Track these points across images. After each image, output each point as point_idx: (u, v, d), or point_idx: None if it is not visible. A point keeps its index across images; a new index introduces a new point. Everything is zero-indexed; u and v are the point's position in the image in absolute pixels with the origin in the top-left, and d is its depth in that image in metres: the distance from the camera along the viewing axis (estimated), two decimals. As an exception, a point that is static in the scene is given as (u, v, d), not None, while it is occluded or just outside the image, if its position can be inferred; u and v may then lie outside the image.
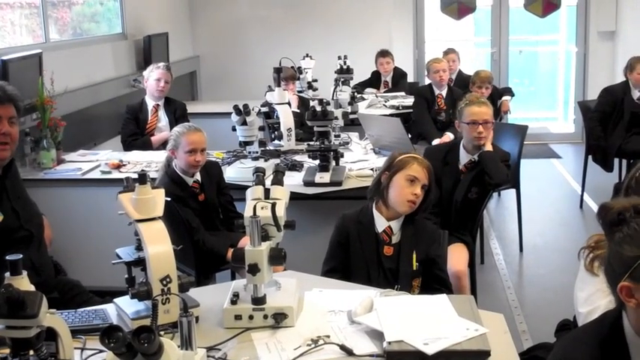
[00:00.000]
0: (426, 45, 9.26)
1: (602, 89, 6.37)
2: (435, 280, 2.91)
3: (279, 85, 4.91)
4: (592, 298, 2.24)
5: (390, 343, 2.05)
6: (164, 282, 2.15)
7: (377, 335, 2.14)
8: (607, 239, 1.86)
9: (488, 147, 3.96)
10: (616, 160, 6.28)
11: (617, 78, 7.25)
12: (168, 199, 2.31)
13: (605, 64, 8.70)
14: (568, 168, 7.87)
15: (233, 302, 2.27)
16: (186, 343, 1.86)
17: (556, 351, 1.88)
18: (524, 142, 5.44)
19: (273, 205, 2.29)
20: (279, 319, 2.23)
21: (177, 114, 5.51)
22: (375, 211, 2.96)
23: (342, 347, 2.08)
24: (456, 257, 3.68)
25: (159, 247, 2.17)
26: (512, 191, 5.49)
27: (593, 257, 2.26)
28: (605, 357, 1.76)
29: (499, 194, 6.60)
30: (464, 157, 4.02)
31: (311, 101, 5.37)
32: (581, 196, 6.45)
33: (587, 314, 2.23)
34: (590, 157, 6.34)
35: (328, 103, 4.27)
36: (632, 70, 6.08)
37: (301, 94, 6.24)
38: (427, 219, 3.36)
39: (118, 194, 2.23)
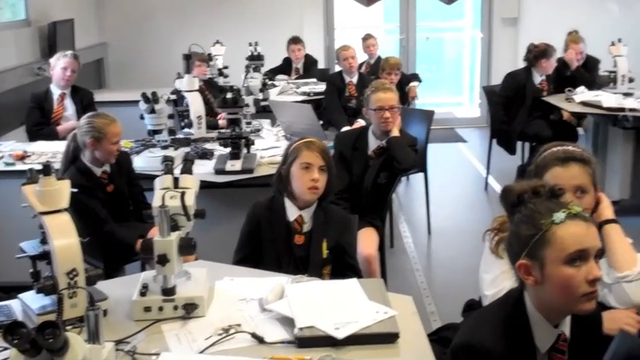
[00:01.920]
0: (336, 32, 9.32)
1: (506, 74, 6.56)
2: (345, 267, 2.93)
3: (188, 72, 4.85)
4: (497, 281, 2.31)
5: (301, 329, 2.07)
6: (70, 275, 2.11)
7: (288, 322, 2.15)
8: (509, 220, 1.94)
9: (396, 132, 4.03)
10: (519, 144, 6.50)
11: (519, 63, 7.48)
12: (75, 190, 2.26)
13: (508, 49, 8.97)
14: (474, 151, 8.09)
15: (142, 294, 2.25)
16: (94, 337, 1.84)
17: (462, 331, 1.94)
18: (432, 127, 5.54)
19: (183, 195, 2.28)
20: (189, 309, 2.22)
21: (84, 102, 5.37)
22: (286, 200, 2.97)
23: (254, 335, 2.09)
24: (366, 241, 3.75)
25: (64, 239, 2.12)
26: (421, 175, 5.59)
27: (499, 240, 2.33)
28: (508, 334, 1.83)
29: (408, 178, 6.73)
30: (373, 143, 4.10)
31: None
32: (486, 179, 6.65)
33: (492, 297, 2.29)
34: (494, 140, 6.54)
35: (239, 90, 4.26)
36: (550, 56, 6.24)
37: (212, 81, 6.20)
38: (336, 204, 3.41)
39: (22, 186, 2.17)
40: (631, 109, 5.40)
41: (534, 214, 1.83)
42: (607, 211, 2.39)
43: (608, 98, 5.70)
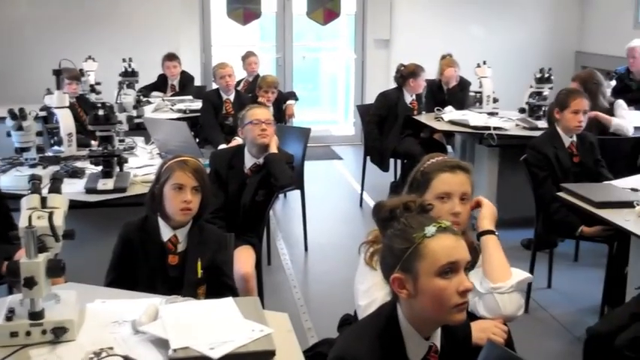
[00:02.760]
0: (213, 49, 9.30)
1: (379, 94, 6.75)
2: (221, 287, 2.91)
3: (58, 88, 4.70)
4: (370, 291, 2.36)
5: (175, 350, 2.04)
6: None
7: (162, 343, 2.11)
8: (381, 235, 1.99)
9: (274, 149, 4.07)
10: (391, 161, 6.68)
11: (391, 83, 7.72)
12: None
13: (380, 69, 9.24)
14: (349, 168, 8.25)
15: (8, 318, 2.15)
16: (-47, 367, 1.74)
17: (337, 346, 1.97)
18: (308, 145, 5.61)
19: (51, 215, 2.20)
20: (58, 333, 2.14)
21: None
22: (159, 220, 2.92)
23: (126, 358, 2.04)
24: (243, 260, 3.74)
25: None
26: (298, 192, 5.65)
27: (373, 252, 2.38)
28: (382, 348, 1.88)
29: (285, 195, 6.78)
30: (249, 161, 4.11)
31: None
32: (361, 194, 6.79)
33: (365, 307, 2.34)
34: (368, 157, 6.70)
35: (112, 107, 4.16)
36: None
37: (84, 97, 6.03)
38: (213, 223, 3.39)
39: None
40: (495, 128, 5.68)
41: (407, 228, 1.89)
42: (486, 221, 2.49)
43: (474, 117, 5.97)
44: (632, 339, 2.90)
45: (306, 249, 5.60)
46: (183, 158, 2.96)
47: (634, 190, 3.94)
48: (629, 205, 3.62)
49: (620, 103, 5.51)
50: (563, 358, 3.85)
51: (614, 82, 6.05)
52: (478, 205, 2.55)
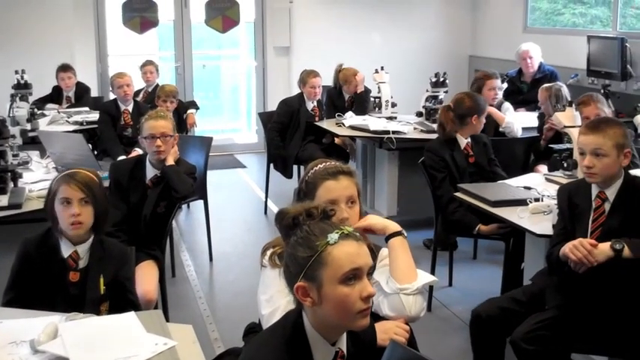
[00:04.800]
0: (110, 59, 9.11)
1: (280, 101, 6.78)
2: (124, 302, 2.85)
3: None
4: (273, 300, 2.36)
5: (77, 368, 2.00)
6: None
7: (63, 362, 2.07)
8: (284, 243, 2.00)
9: (170, 161, 4.02)
10: (295, 167, 6.73)
11: (293, 90, 7.76)
12: None
13: (281, 77, 9.29)
14: (253, 177, 8.23)
15: None
16: None
17: (243, 355, 1.96)
18: (211, 154, 5.57)
19: (-60, 236, 2.12)
20: (-49, 359, 2.07)
21: None
22: (60, 236, 2.84)
23: (25, 379, 1.99)
24: (145, 277, 3.65)
25: None
26: (201, 202, 5.61)
27: (272, 253, 2.40)
28: (289, 356, 1.88)
29: (188, 206, 6.71)
30: (150, 172, 4.05)
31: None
32: (265, 202, 6.79)
33: (269, 315, 2.34)
34: (271, 165, 6.72)
35: (4, 121, 4.04)
36: (305, 83, 6.57)
37: None
38: (116, 236, 3.32)
39: None
40: (394, 132, 5.80)
41: (310, 235, 1.90)
42: (390, 226, 2.48)
43: (374, 122, 6.08)
44: (527, 332, 3.03)
45: (210, 259, 5.55)
46: (71, 171, 2.89)
47: (527, 188, 4.11)
48: (522, 202, 3.77)
49: (508, 106, 5.79)
50: (465, 354, 3.94)
51: (505, 85, 6.28)
52: (369, 230, 2.48)
